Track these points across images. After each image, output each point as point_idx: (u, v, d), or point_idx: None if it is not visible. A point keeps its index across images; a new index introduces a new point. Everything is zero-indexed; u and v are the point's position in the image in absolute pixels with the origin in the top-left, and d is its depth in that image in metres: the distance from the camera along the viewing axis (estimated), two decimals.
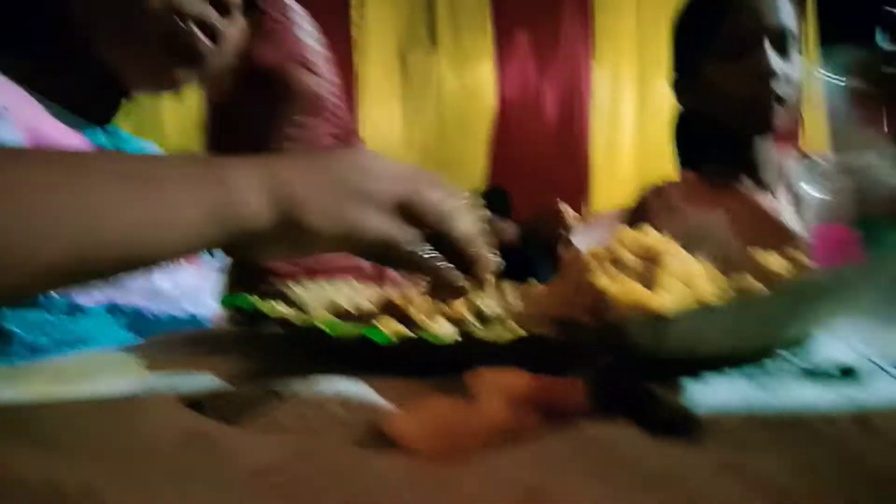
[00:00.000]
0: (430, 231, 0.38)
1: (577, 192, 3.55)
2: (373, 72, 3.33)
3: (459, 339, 0.30)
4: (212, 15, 0.56)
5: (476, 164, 3.48)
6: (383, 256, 0.38)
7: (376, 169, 0.38)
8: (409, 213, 0.37)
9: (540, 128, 3.52)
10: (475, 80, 3.42)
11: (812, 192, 0.47)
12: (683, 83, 1.00)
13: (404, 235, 0.37)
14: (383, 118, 3.35)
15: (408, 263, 0.38)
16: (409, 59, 3.36)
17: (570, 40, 3.50)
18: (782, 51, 0.87)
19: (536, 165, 3.46)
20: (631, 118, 3.62)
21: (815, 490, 0.16)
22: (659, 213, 1.01)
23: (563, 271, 0.36)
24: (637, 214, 1.05)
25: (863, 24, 0.94)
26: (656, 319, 0.26)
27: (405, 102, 3.39)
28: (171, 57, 0.55)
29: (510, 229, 2.89)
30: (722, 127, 0.96)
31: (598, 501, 0.16)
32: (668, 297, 0.32)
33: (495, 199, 2.89)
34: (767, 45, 0.86)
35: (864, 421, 0.21)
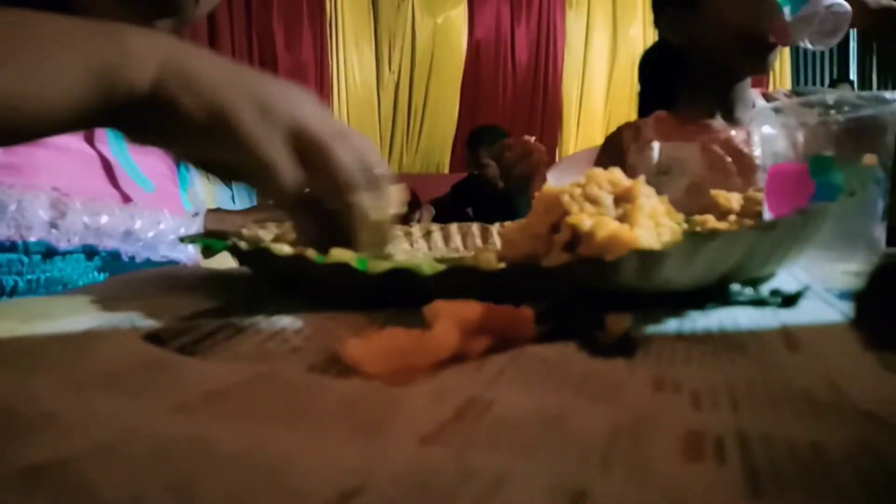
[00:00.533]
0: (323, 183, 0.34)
1: (549, 134, 3.54)
2: (346, 15, 3.22)
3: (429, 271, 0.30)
4: None
5: (449, 104, 3.44)
6: (259, 182, 0.35)
7: (298, 97, 0.35)
8: (303, 150, 0.34)
9: (512, 70, 3.47)
10: (448, 23, 3.33)
11: (771, 129, 0.48)
12: (678, 14, 0.99)
13: (291, 170, 0.33)
14: (356, 61, 3.27)
15: (280, 200, 0.35)
16: (381, 2, 3.25)
17: None
18: None
19: (508, 107, 3.44)
20: (603, 63, 3.59)
21: (738, 400, 0.17)
22: (632, 146, 1.02)
23: (536, 208, 0.37)
24: (611, 148, 1.06)
25: None
26: (640, 255, 0.26)
27: (378, 45, 3.30)
28: (149, 5, 0.53)
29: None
30: (714, 62, 0.96)
31: (539, 409, 0.17)
32: (643, 234, 0.32)
33: (494, 138, 2.88)
34: None
35: (788, 337, 0.23)
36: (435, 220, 2.72)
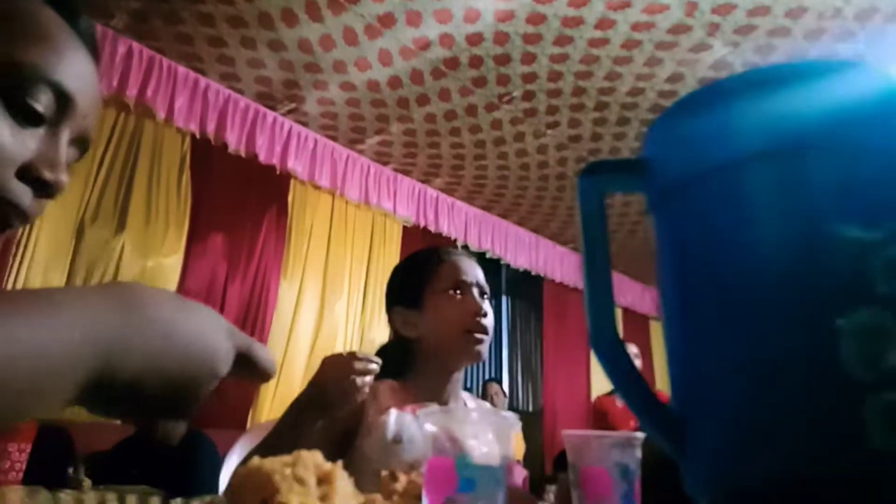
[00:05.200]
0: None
1: (245, 396, 3.48)
2: (42, 236, 2.97)
3: None
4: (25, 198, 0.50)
5: None
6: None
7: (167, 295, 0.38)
8: None
9: None
10: (159, 268, 3.30)
11: (432, 428, 0.62)
12: (407, 312, 1.17)
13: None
14: (40, 286, 2.93)
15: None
16: (87, 234, 3.11)
17: (265, 254, 3.71)
18: (482, 298, 1.16)
19: None
20: (308, 332, 3.84)
21: None
22: (371, 406, 1.08)
23: (245, 484, 0.41)
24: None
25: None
26: None
27: (72, 276, 3.05)
28: None
29: (180, 429, 2.56)
30: (438, 353, 1.14)
31: None
32: None
33: None
34: (475, 290, 1.14)
35: None
36: (93, 479, 2.31)
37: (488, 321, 1.14)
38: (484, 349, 1.15)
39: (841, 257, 0.31)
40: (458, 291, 1.15)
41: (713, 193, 0.34)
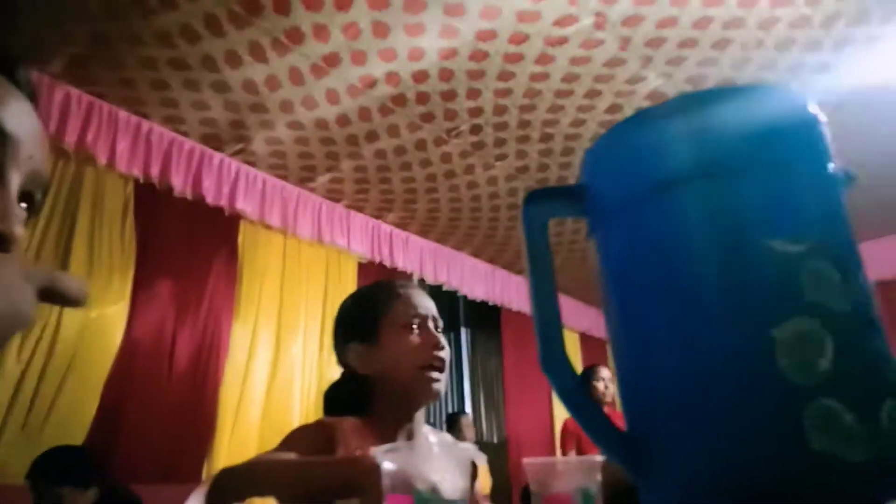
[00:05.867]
0: None
1: (200, 444, 3.34)
2: None
3: None
4: None
5: (85, 407, 3.03)
6: None
7: None
8: None
9: (168, 375, 3.34)
10: (103, 319, 3.16)
11: (390, 465, 0.61)
12: (364, 348, 1.13)
13: None
14: None
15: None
16: None
17: (215, 298, 3.61)
18: (437, 331, 1.14)
19: (157, 414, 3.20)
20: (263, 376, 3.73)
21: None
22: (339, 448, 1.01)
23: None
24: (314, 444, 1.01)
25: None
26: None
27: None
28: None
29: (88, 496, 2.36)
30: (395, 390, 1.09)
31: None
32: None
33: (64, 467, 2.33)
34: (431, 324, 1.13)
35: None
36: None
37: (445, 354, 1.13)
38: (441, 387, 1.11)
39: (771, 270, 0.33)
40: (416, 325, 1.13)
41: (648, 214, 0.35)
